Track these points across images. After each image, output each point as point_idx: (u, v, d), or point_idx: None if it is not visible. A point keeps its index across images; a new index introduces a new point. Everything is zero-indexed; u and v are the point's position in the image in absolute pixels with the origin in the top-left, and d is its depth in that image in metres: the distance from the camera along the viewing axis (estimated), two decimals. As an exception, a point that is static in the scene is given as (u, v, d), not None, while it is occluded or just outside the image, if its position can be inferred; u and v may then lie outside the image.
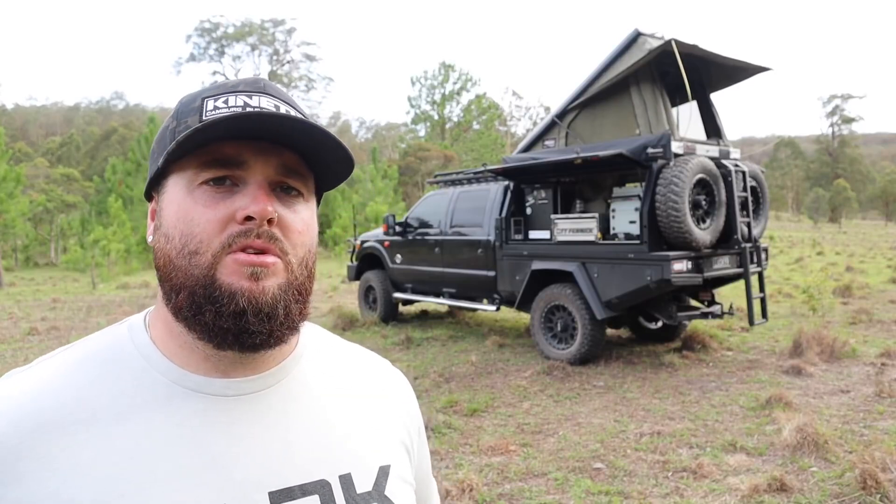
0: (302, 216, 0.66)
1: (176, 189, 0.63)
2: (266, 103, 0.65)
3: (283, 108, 0.65)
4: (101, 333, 0.69)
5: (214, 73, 60.26)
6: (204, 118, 0.62)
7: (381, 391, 0.78)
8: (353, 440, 0.70)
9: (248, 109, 0.62)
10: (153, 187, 0.67)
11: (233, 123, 0.59)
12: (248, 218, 0.61)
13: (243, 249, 0.61)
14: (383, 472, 0.70)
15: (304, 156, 0.66)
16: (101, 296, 14.84)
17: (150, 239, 0.68)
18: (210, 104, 0.64)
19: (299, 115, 0.65)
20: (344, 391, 0.74)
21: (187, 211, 0.62)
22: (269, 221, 0.61)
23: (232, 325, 0.60)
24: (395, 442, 0.75)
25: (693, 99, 6.61)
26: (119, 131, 55.49)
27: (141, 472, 0.58)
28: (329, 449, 0.67)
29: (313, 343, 0.76)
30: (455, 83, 54.21)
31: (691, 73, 6.18)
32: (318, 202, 0.73)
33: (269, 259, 0.62)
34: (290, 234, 0.64)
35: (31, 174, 34.88)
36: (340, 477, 0.66)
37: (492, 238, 7.30)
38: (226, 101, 0.64)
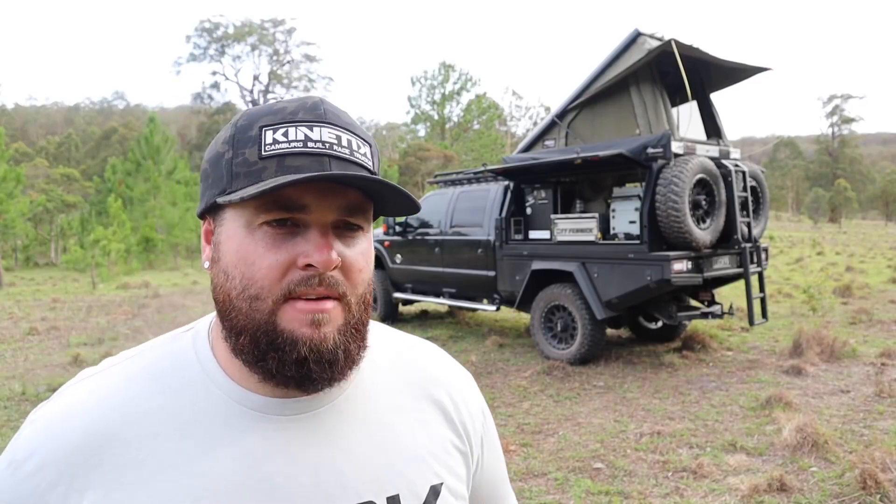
0: (361, 250, 0.65)
1: (235, 226, 0.62)
2: (327, 135, 0.63)
3: (345, 138, 0.64)
4: (166, 340, 0.70)
5: (214, 73, 60.39)
6: (263, 153, 0.61)
7: (441, 395, 0.76)
8: (405, 459, 0.69)
9: (309, 145, 0.61)
10: (209, 211, 0.66)
11: (300, 183, 0.58)
12: (310, 265, 0.60)
13: (304, 297, 0.60)
14: (433, 492, 0.69)
15: (367, 191, 0.64)
16: (101, 296, 14.84)
17: (205, 265, 0.67)
18: (269, 136, 0.62)
19: (355, 152, 0.64)
20: (400, 402, 0.73)
21: (248, 252, 0.61)
22: (333, 267, 0.61)
23: (295, 373, 0.61)
24: (449, 454, 0.74)
25: (693, 99, 6.61)
26: (119, 131, 55.51)
27: (196, 489, 0.60)
28: (379, 469, 0.67)
29: (370, 351, 0.73)
30: (455, 83, 54.25)
31: (691, 73, 6.18)
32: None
33: (329, 304, 0.61)
34: (351, 274, 0.63)
35: (31, 174, 34.91)
36: (388, 499, 0.66)
37: (492, 238, 7.30)
38: (285, 134, 0.62)
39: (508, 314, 9.13)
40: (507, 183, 7.39)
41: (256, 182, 0.60)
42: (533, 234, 7.04)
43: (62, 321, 10.25)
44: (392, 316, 8.98)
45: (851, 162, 75.72)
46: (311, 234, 0.61)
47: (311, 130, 0.62)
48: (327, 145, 0.62)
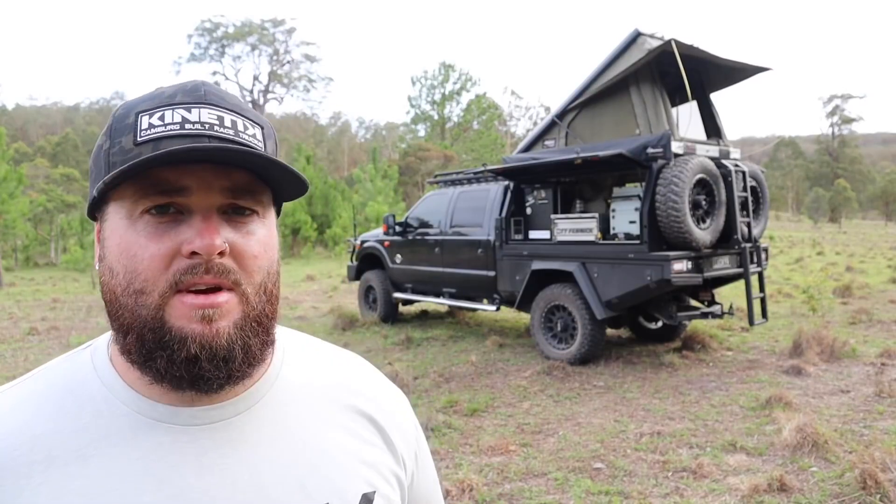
0: (258, 237, 0.61)
1: (117, 218, 0.58)
2: (207, 116, 0.58)
3: (229, 119, 0.60)
4: (63, 359, 0.65)
5: (214, 73, 60.29)
6: (138, 139, 0.57)
7: (369, 407, 0.72)
8: (333, 466, 0.65)
9: (187, 127, 0.57)
10: (96, 209, 0.62)
11: (164, 159, 0.54)
12: (195, 252, 0.56)
13: (192, 288, 0.56)
14: (366, 500, 0.65)
15: (256, 172, 0.60)
16: (100, 296, 14.83)
17: (96, 266, 0.63)
18: (144, 121, 0.58)
19: (241, 133, 0.60)
20: (327, 409, 0.69)
21: (129, 244, 0.57)
22: (220, 253, 0.57)
23: (185, 373, 0.57)
24: (382, 462, 0.70)
25: (693, 99, 6.61)
26: (120, 131, 55.40)
27: None
28: (305, 478, 0.63)
29: (293, 357, 0.71)
30: (455, 83, 54.27)
31: (691, 74, 6.18)
32: (279, 212, 0.69)
33: (221, 298, 0.57)
34: (244, 262, 0.59)
35: (31, 174, 34.89)
36: None
37: (492, 238, 7.30)
38: (161, 118, 0.58)
39: (508, 314, 9.13)
40: (507, 183, 7.39)
41: None
42: (533, 234, 7.04)
43: (62, 321, 10.25)
44: (392, 316, 8.98)
45: (851, 162, 75.72)
46: (194, 219, 0.57)
47: (189, 112, 0.58)
48: (207, 126, 0.58)
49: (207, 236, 0.56)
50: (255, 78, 61.18)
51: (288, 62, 62.60)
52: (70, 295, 15.19)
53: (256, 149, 0.60)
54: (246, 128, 0.61)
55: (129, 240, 0.57)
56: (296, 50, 75.54)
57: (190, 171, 0.56)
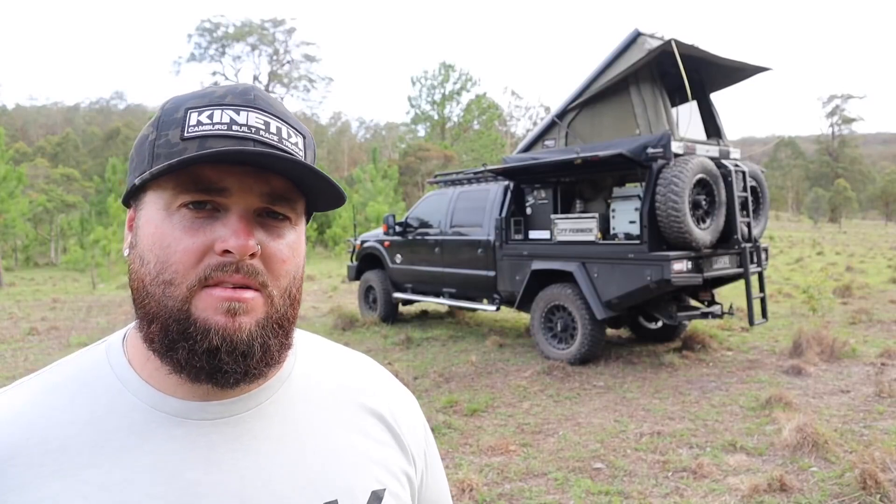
0: (288, 242, 0.62)
1: (154, 208, 0.60)
2: (254, 120, 0.60)
3: (275, 125, 0.61)
4: (78, 355, 0.67)
5: (214, 73, 60.30)
6: (185, 134, 0.59)
7: (379, 406, 0.73)
8: (342, 463, 0.66)
9: (234, 128, 0.59)
10: (132, 196, 0.63)
11: (211, 158, 0.56)
12: (227, 251, 0.57)
13: (220, 284, 0.58)
14: (375, 498, 0.66)
15: (294, 180, 0.62)
16: (101, 296, 14.84)
17: (125, 253, 0.64)
18: (193, 118, 0.59)
19: (285, 140, 0.62)
20: (336, 408, 0.70)
21: (164, 235, 0.58)
22: (251, 255, 0.58)
23: (205, 364, 0.58)
24: (392, 460, 0.70)
25: (693, 99, 6.61)
26: (122, 131, 55.53)
27: (111, 502, 0.56)
28: (314, 474, 0.64)
29: (305, 357, 0.72)
30: (455, 83, 54.30)
31: (691, 73, 6.18)
32: (309, 219, 0.69)
33: (248, 294, 0.59)
34: (273, 265, 0.61)
35: (31, 174, 34.89)
36: None
37: (492, 238, 7.30)
38: (210, 117, 0.59)
39: (508, 314, 9.13)
40: (507, 183, 7.39)
41: None
42: (533, 234, 7.04)
43: (62, 321, 10.25)
44: (392, 316, 8.98)
45: (851, 162, 75.77)
46: (230, 218, 0.58)
47: (238, 114, 0.60)
48: (253, 130, 0.60)
49: (242, 237, 0.57)
50: (255, 78, 61.17)
51: (288, 62, 62.61)
52: (70, 295, 15.19)
53: (297, 156, 0.62)
54: (290, 135, 0.63)
55: (164, 231, 0.58)
56: (296, 50, 75.51)
57: (232, 172, 0.58)
